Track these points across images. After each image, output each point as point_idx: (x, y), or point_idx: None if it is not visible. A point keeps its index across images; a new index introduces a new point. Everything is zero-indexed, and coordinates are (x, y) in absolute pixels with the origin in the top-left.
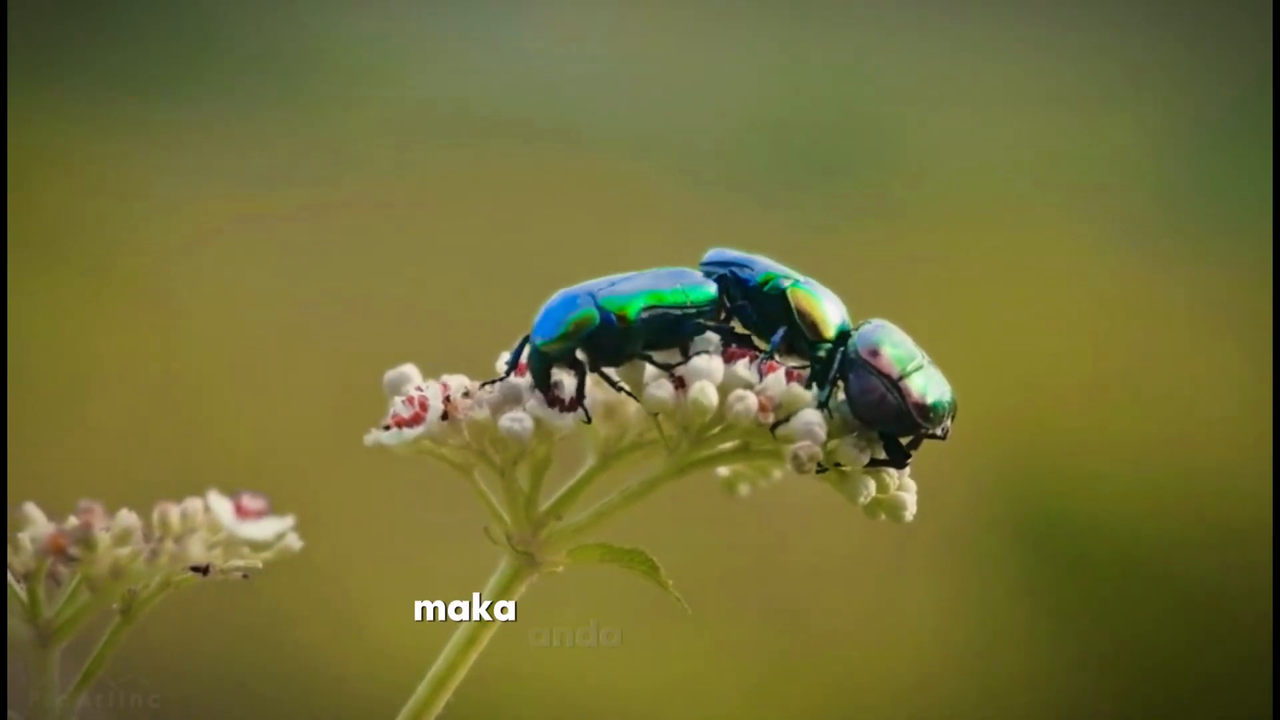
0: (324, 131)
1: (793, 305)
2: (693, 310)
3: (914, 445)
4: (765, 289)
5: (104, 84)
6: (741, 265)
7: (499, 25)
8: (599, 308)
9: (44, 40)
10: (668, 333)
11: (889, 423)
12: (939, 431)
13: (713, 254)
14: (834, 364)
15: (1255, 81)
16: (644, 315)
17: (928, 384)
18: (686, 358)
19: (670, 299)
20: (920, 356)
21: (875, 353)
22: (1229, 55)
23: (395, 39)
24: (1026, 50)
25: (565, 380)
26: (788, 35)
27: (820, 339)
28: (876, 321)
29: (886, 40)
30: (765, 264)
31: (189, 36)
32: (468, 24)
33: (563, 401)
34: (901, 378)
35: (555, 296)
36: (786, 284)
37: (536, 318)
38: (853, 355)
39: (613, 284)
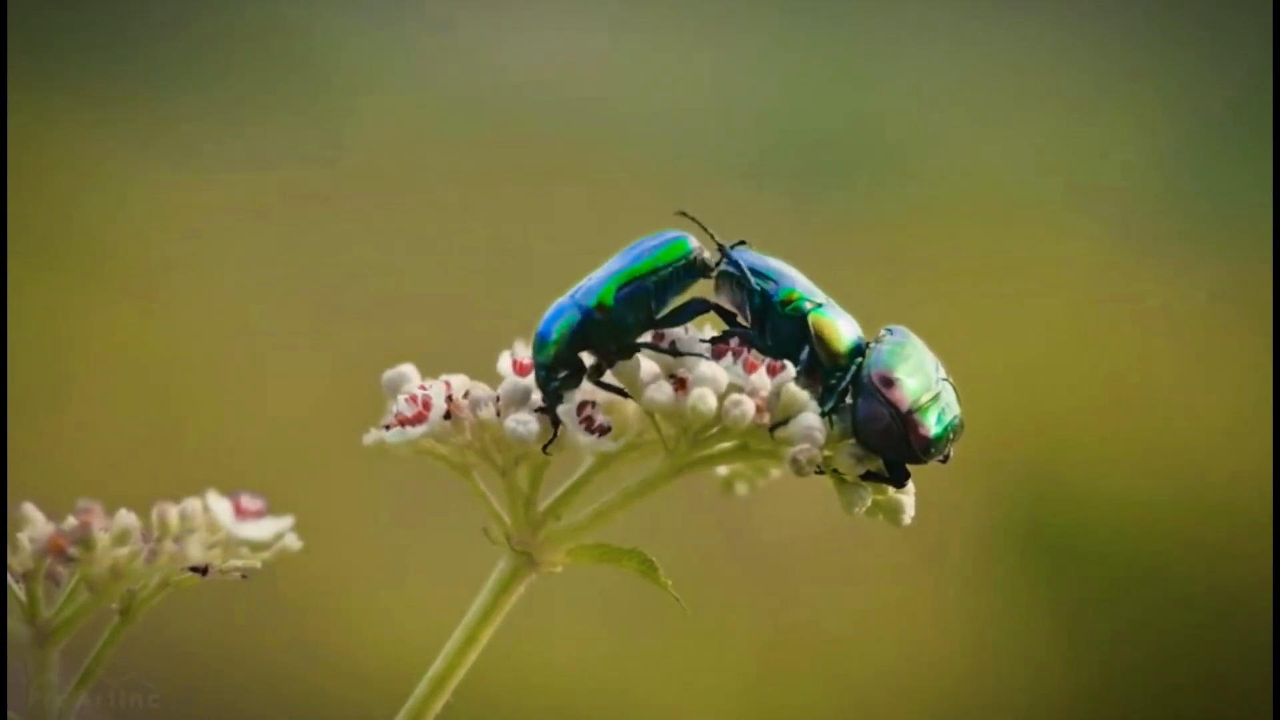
0: (322, 127)
1: (812, 332)
2: (668, 271)
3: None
4: (787, 309)
5: (93, 80)
6: (762, 275)
7: (504, 22)
8: (578, 306)
9: (35, 35)
10: (657, 302)
11: (889, 451)
12: (940, 459)
13: (734, 252)
14: (845, 379)
15: (1256, 81)
16: (621, 295)
17: (938, 416)
18: (680, 324)
19: (642, 269)
20: (936, 380)
21: (889, 382)
22: (1230, 55)
23: (400, 33)
24: (1030, 52)
25: (598, 399)
26: (793, 37)
27: (836, 366)
28: (896, 335)
29: (891, 43)
30: (788, 275)
31: (187, 32)
32: (474, 19)
33: (591, 421)
34: (911, 411)
35: (546, 313)
36: (808, 307)
37: (534, 337)
38: (865, 377)
39: (589, 281)
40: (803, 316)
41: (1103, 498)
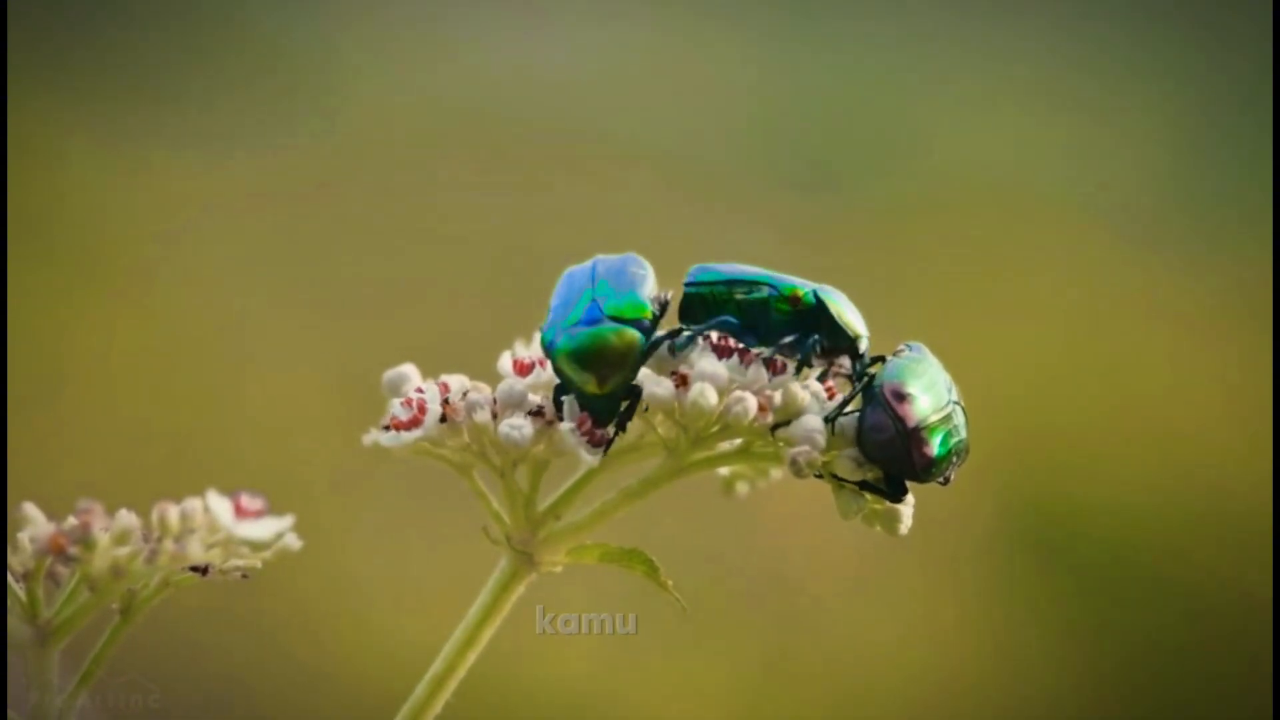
0: (322, 122)
1: (832, 313)
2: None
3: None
4: (800, 305)
5: (85, 76)
6: (749, 282)
7: (499, 26)
8: (628, 322)
9: (26, 32)
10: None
11: (890, 465)
12: (940, 480)
13: (697, 272)
14: (856, 385)
15: (1258, 81)
16: (654, 308)
17: (943, 437)
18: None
19: (650, 289)
20: (948, 401)
21: (900, 395)
22: (1233, 54)
23: (398, 45)
24: (1031, 50)
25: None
26: (791, 36)
27: (853, 339)
28: (915, 352)
29: (897, 40)
30: (774, 274)
31: (180, 25)
32: (475, 13)
33: (594, 435)
34: (918, 428)
35: (559, 338)
36: (806, 291)
37: (568, 363)
38: (876, 387)
39: (594, 295)
40: (818, 303)
41: (1108, 498)
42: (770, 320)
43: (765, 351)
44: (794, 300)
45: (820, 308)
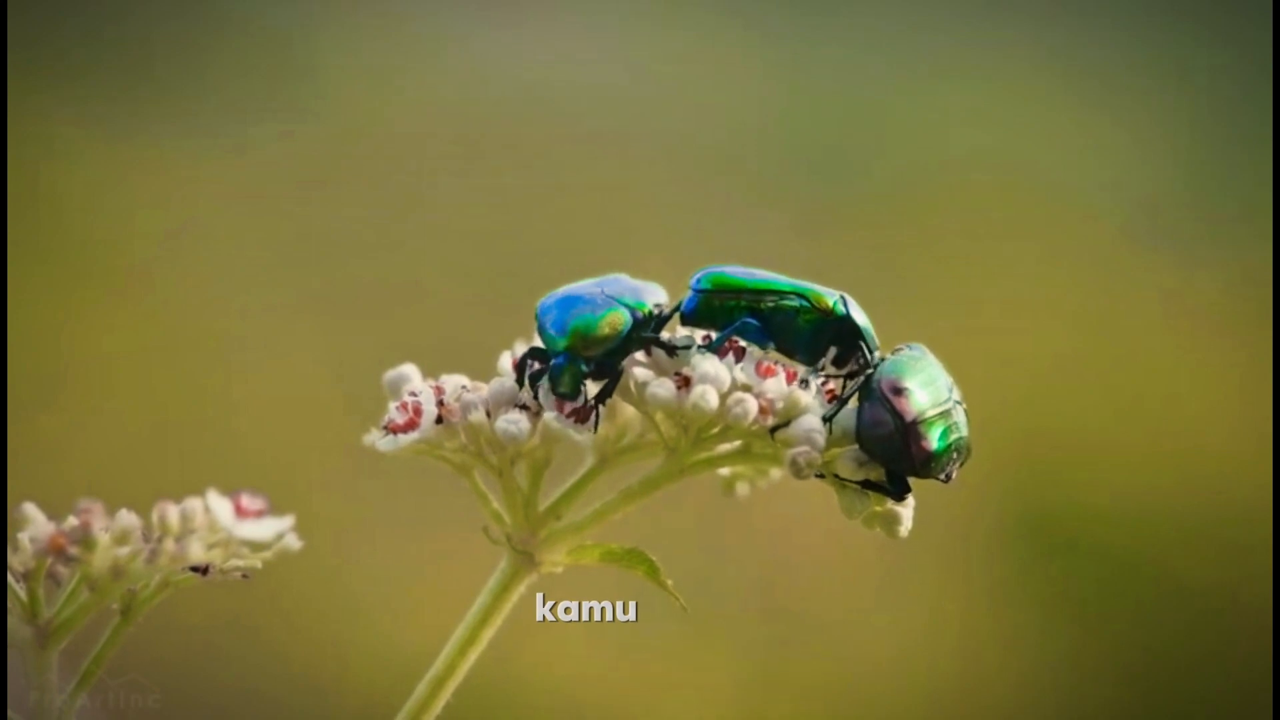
0: (322, 120)
1: (861, 326)
2: (663, 311)
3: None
4: (831, 318)
5: (82, 73)
6: (778, 291)
7: (500, 23)
8: (626, 306)
9: (23, 33)
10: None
11: (889, 460)
12: (941, 477)
13: (707, 275)
14: (855, 384)
15: (1260, 79)
16: (653, 309)
17: (942, 432)
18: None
19: (657, 297)
20: (948, 399)
21: (898, 390)
22: (1235, 52)
23: (397, 40)
24: (1032, 48)
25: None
26: (798, 29)
27: (878, 348)
28: (914, 351)
29: (899, 36)
30: (799, 282)
31: (176, 23)
32: (469, 25)
33: (578, 412)
34: (916, 422)
35: (552, 303)
36: (834, 300)
37: (550, 327)
38: (874, 384)
39: (602, 286)
40: (844, 317)
41: (1111, 502)
42: (796, 328)
43: (759, 352)
44: (825, 312)
45: (848, 320)
